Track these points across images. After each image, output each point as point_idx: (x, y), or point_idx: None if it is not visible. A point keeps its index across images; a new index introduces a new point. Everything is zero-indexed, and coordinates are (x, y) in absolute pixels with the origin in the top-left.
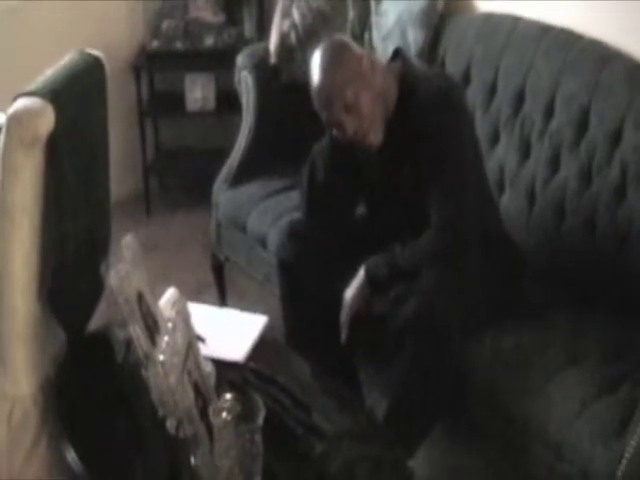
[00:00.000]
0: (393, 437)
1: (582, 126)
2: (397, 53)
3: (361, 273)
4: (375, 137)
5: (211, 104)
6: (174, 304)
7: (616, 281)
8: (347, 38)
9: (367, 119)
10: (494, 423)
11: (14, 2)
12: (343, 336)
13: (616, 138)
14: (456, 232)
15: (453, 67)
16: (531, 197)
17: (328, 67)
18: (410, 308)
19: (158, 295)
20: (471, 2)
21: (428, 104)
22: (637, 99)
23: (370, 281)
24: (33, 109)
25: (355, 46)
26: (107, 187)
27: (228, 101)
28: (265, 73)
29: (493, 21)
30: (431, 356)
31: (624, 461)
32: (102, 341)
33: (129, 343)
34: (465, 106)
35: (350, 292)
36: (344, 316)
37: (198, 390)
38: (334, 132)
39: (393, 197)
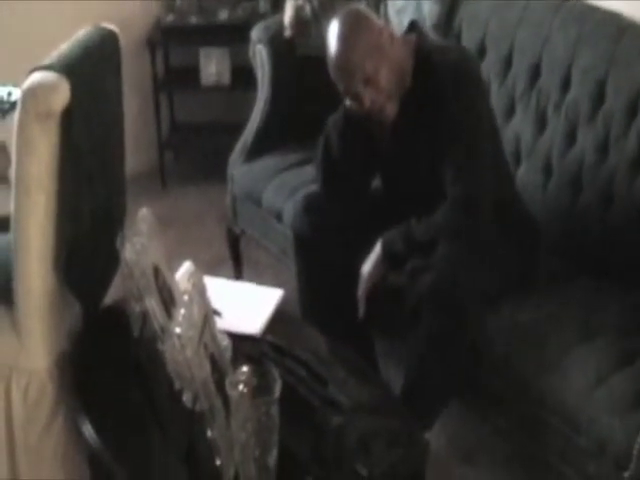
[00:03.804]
0: (409, 410)
1: (598, 98)
2: (412, 26)
3: (377, 248)
4: (391, 110)
5: (226, 78)
6: (190, 278)
7: (633, 254)
8: (366, 8)
9: (385, 92)
10: (511, 396)
11: None
12: (360, 310)
13: (633, 110)
14: (472, 204)
15: (468, 40)
16: (547, 170)
17: (348, 38)
18: (427, 281)
19: (174, 269)
20: None
21: (443, 77)
22: None
23: (387, 256)
24: (48, 83)
25: (374, 17)
26: (122, 161)
27: (243, 75)
28: (280, 47)
29: None
30: (447, 329)
31: None
32: (118, 314)
33: (145, 316)
34: (480, 79)
35: (367, 267)
36: (361, 291)
37: (214, 363)
38: (349, 104)
39: (408, 170)
